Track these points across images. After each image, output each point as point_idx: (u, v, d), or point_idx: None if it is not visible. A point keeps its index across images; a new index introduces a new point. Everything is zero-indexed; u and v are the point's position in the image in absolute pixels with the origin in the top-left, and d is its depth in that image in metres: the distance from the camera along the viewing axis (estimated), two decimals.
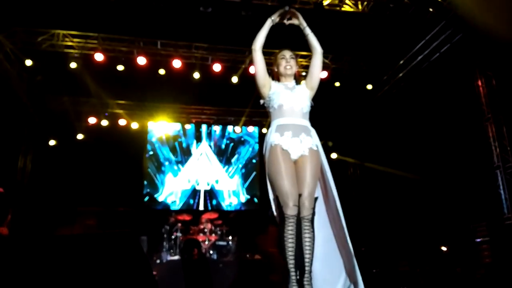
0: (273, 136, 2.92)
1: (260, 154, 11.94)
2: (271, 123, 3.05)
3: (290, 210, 2.72)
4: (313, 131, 3.03)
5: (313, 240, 2.75)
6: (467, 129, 7.52)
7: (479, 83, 7.29)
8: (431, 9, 7.66)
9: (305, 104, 3.06)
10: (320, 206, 2.99)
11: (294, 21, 3.23)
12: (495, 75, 7.09)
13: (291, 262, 2.68)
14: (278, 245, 2.84)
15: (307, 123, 3.04)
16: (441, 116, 7.99)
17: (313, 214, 2.81)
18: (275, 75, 3.23)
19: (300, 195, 2.79)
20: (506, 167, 6.88)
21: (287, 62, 3.16)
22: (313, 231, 2.77)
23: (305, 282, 2.66)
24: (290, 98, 3.02)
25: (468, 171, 7.40)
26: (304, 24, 3.20)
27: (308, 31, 3.18)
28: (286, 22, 3.23)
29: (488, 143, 7.12)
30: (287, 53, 3.20)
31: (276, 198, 2.84)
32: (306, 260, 2.69)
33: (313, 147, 2.93)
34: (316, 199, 2.88)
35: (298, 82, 3.23)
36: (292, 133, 2.91)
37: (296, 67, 3.22)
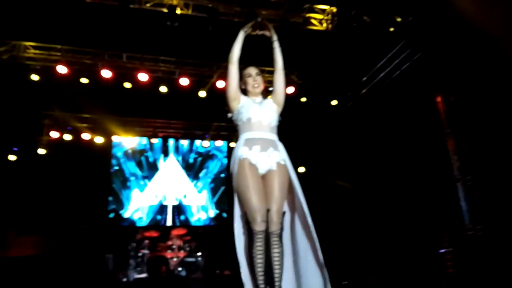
0: (241, 150, 2.90)
1: (228, 169, 11.85)
2: (239, 137, 3.03)
3: (259, 226, 2.71)
4: (280, 145, 3.04)
5: (282, 254, 2.75)
6: (428, 143, 7.77)
7: (439, 99, 7.59)
8: (391, 29, 7.96)
9: (273, 118, 3.08)
10: (287, 221, 3.00)
11: (266, 33, 3.25)
12: (454, 92, 7.39)
13: (260, 278, 2.66)
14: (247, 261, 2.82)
15: (275, 137, 3.05)
16: (403, 131, 8.23)
17: (282, 229, 2.82)
18: (241, 92, 3.24)
19: (268, 210, 2.78)
20: (466, 180, 7.14)
21: (254, 80, 3.19)
22: (281, 246, 2.77)
23: None
24: (259, 112, 3.03)
25: (430, 184, 7.62)
26: (275, 37, 3.22)
27: (276, 45, 3.21)
28: (258, 33, 3.25)
29: (448, 157, 7.38)
30: (253, 71, 3.22)
31: (244, 214, 2.82)
32: (276, 275, 2.68)
33: (281, 162, 2.94)
34: (284, 213, 2.88)
35: (265, 97, 3.25)
36: (261, 147, 2.91)
37: (263, 83, 3.25)
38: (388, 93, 8.78)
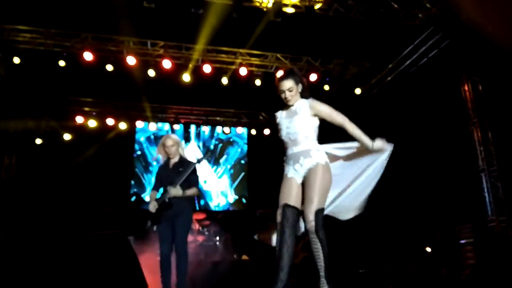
0: (284, 166, 3.31)
1: (248, 155, 12.00)
2: None
3: (277, 218, 3.16)
4: (313, 150, 3.19)
5: (320, 249, 3.01)
6: (454, 133, 7.66)
7: (466, 87, 7.44)
8: (420, 15, 7.80)
9: (302, 130, 3.21)
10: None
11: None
12: (482, 80, 7.24)
13: (278, 260, 3.03)
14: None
15: (306, 146, 3.21)
16: (428, 120, 8.12)
17: (317, 226, 3.03)
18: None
19: (303, 210, 3.11)
20: (491, 171, 7.04)
21: (285, 95, 3.26)
22: (318, 242, 3.01)
23: (321, 285, 2.97)
24: (288, 130, 3.23)
25: (454, 174, 7.53)
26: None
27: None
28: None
29: (474, 147, 7.27)
30: (284, 86, 3.25)
31: None
32: (319, 267, 2.99)
33: (312, 166, 3.15)
34: (322, 210, 3.10)
35: (307, 96, 3.31)
36: (293, 161, 3.22)
37: (298, 92, 3.28)
38: (414, 81, 8.64)
